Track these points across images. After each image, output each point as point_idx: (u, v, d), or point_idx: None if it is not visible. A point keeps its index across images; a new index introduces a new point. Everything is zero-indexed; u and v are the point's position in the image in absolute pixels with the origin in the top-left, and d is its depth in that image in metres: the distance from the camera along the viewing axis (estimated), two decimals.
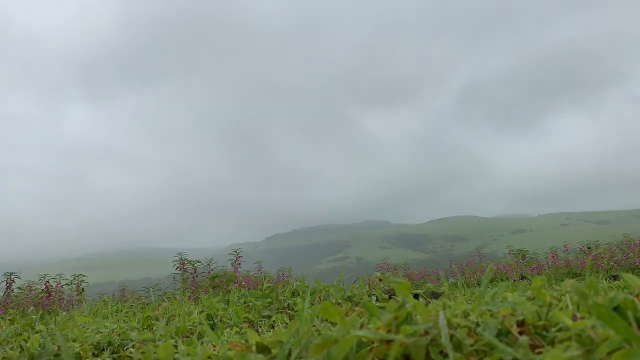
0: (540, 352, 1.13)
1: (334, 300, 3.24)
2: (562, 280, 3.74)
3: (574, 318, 1.17)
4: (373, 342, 1.20)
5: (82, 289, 7.70)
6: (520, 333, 1.19)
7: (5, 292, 7.04)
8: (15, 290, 7.20)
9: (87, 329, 2.70)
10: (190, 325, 2.69)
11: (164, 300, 5.79)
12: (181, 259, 7.27)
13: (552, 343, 1.15)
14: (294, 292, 3.57)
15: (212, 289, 5.58)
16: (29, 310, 5.56)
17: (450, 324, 1.21)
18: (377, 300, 3.11)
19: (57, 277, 7.50)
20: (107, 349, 2.23)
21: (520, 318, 1.22)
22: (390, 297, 3.24)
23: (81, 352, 2.02)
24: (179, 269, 7.21)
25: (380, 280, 3.77)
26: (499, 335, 1.18)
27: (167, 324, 2.76)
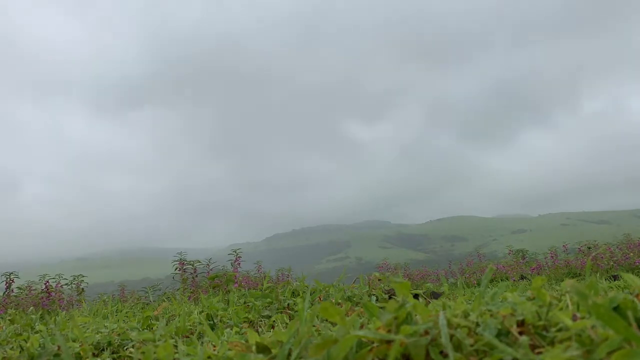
0: (540, 352, 1.13)
1: (334, 300, 3.24)
2: (562, 280, 3.73)
3: (574, 318, 1.17)
4: (373, 342, 1.20)
5: (82, 289, 7.70)
6: (520, 333, 1.19)
7: (4, 292, 7.04)
8: (15, 290, 7.20)
9: (87, 329, 2.70)
10: (190, 325, 2.69)
11: (164, 300, 5.79)
12: (181, 259, 7.27)
13: (552, 343, 1.15)
14: (294, 292, 3.57)
15: (212, 289, 5.58)
16: (29, 310, 5.56)
17: (450, 324, 1.21)
18: (377, 300, 3.11)
19: (57, 277, 7.50)
20: (107, 349, 2.23)
21: (520, 318, 1.22)
22: (390, 297, 3.24)
23: (81, 352, 2.02)
24: (178, 269, 7.21)
25: (380, 280, 3.77)
26: (499, 335, 1.18)
27: (167, 324, 2.76)
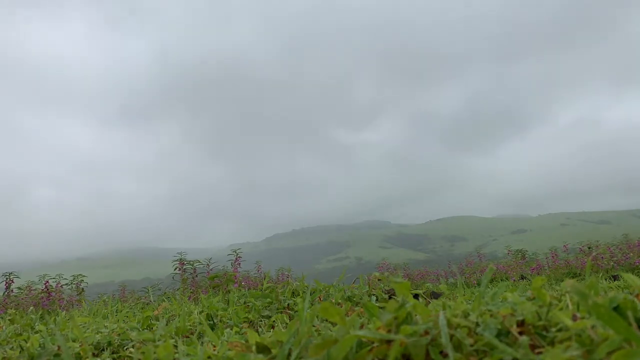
0: (540, 352, 1.13)
1: (334, 300, 3.24)
2: (562, 280, 3.73)
3: (574, 318, 1.17)
4: (373, 342, 1.20)
5: (82, 289, 7.70)
6: (520, 333, 1.19)
7: (4, 292, 7.04)
8: (15, 290, 7.20)
9: (87, 329, 2.70)
10: (190, 325, 2.69)
11: (164, 300, 5.78)
12: (180, 259, 7.27)
13: (552, 343, 1.15)
14: (294, 292, 3.57)
15: (212, 289, 5.58)
16: (29, 310, 5.56)
17: (450, 324, 1.21)
18: (377, 300, 3.11)
19: (57, 277, 7.50)
20: (107, 349, 2.23)
21: (520, 318, 1.22)
22: (390, 297, 3.24)
23: (81, 352, 2.02)
24: (178, 269, 7.21)
25: (380, 280, 3.76)
26: (499, 335, 1.18)
27: (167, 324, 2.76)
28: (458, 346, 1.16)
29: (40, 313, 4.54)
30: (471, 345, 1.16)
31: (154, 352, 1.41)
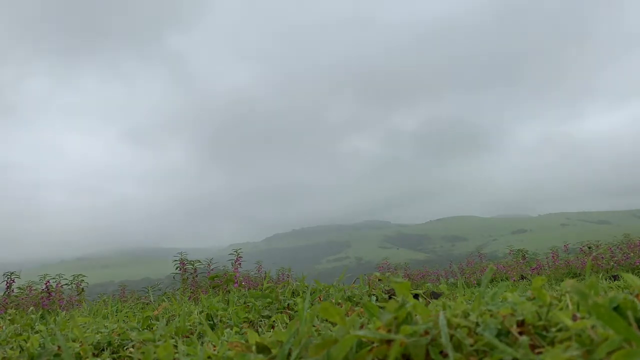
0: (540, 352, 1.13)
1: (334, 300, 3.23)
2: (562, 280, 3.73)
3: (574, 318, 1.17)
4: (373, 342, 1.20)
5: (82, 289, 7.70)
6: (520, 333, 1.19)
7: (5, 292, 7.04)
8: (15, 290, 7.20)
9: (87, 329, 2.70)
10: (190, 325, 2.69)
11: (164, 300, 5.78)
12: (181, 258, 7.27)
13: (552, 343, 1.15)
14: (294, 292, 3.57)
15: (212, 289, 5.58)
16: (29, 310, 5.55)
17: (450, 324, 1.21)
18: (377, 300, 3.11)
19: (57, 277, 7.50)
20: (107, 349, 2.23)
21: (520, 318, 1.22)
22: (390, 297, 3.24)
23: (81, 352, 2.02)
24: (179, 269, 7.21)
25: (380, 280, 3.76)
26: (499, 335, 1.18)
27: (167, 324, 2.76)
28: (458, 346, 1.16)
29: (40, 313, 4.54)
30: (471, 345, 1.16)
31: (154, 352, 1.41)
